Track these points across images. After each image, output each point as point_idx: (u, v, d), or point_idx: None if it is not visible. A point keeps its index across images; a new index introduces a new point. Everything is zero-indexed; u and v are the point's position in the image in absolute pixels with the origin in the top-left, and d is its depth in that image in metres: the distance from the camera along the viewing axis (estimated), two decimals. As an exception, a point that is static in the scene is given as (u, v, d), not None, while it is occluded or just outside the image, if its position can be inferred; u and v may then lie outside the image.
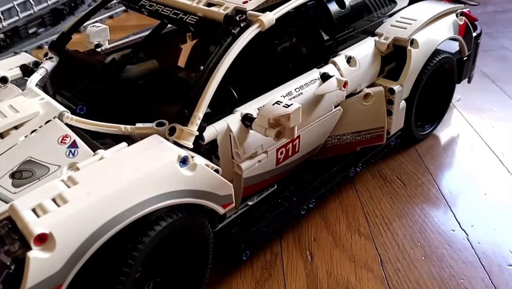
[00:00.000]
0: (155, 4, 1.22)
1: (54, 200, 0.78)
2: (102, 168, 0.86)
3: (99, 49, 1.42)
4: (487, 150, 1.60)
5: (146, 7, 1.23)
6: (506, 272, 1.15)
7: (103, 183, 0.82)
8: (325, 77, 1.18)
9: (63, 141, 0.97)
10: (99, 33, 1.45)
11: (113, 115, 1.07)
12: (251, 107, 1.06)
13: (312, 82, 1.18)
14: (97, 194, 0.79)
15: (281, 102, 0.97)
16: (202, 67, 1.02)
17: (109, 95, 1.12)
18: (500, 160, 1.54)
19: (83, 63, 1.24)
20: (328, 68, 1.22)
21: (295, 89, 1.15)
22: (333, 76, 1.17)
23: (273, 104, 0.97)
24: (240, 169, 1.06)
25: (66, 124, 1.02)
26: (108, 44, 1.46)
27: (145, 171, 0.85)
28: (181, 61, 1.60)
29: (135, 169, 0.85)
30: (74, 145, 0.96)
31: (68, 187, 0.81)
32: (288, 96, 1.12)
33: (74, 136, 0.98)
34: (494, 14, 2.80)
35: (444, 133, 1.70)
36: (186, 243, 1.01)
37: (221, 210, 1.01)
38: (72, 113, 1.05)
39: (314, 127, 1.22)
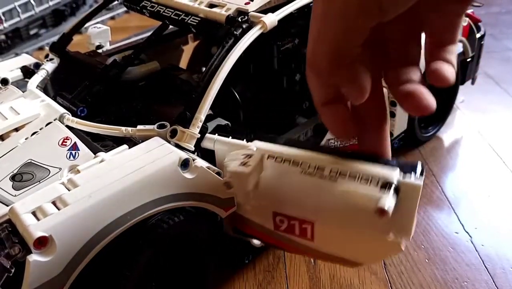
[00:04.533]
0: (156, 5, 1.22)
1: (54, 203, 0.78)
2: (103, 170, 0.85)
3: (100, 51, 1.42)
4: (491, 151, 1.59)
5: (148, 8, 1.23)
6: (510, 275, 1.15)
7: (104, 186, 0.81)
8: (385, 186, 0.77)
9: (64, 143, 0.97)
10: (100, 35, 1.44)
11: (114, 117, 1.07)
12: (271, 147, 0.85)
13: (362, 179, 0.78)
14: (97, 196, 0.79)
15: (250, 157, 0.82)
16: (204, 69, 1.02)
17: (110, 97, 1.12)
18: (504, 162, 1.53)
19: (84, 64, 1.24)
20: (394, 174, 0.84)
21: (330, 170, 0.78)
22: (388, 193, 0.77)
23: (243, 154, 0.84)
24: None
25: (67, 126, 1.02)
26: (109, 45, 1.46)
27: (146, 174, 0.84)
28: (183, 63, 1.59)
29: (136, 171, 0.84)
30: (74, 147, 0.95)
31: (69, 189, 0.80)
32: (317, 171, 0.80)
33: (74, 139, 0.97)
34: (498, 15, 2.79)
35: (447, 135, 1.69)
36: (188, 246, 1.00)
37: (223, 213, 1.00)
38: (73, 115, 1.05)
39: (342, 232, 0.87)
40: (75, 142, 0.97)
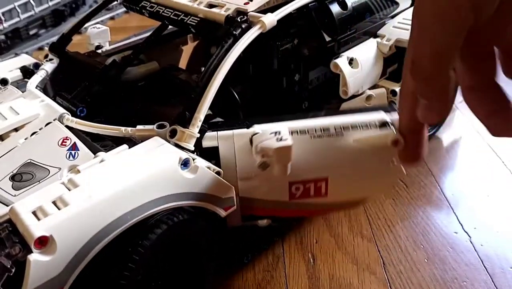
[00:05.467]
0: (156, 6, 1.22)
1: (54, 203, 0.78)
2: (102, 170, 0.85)
3: (99, 51, 1.42)
4: (490, 151, 1.59)
5: (147, 8, 1.23)
6: (509, 275, 1.15)
7: (104, 186, 0.81)
8: (383, 125, 0.96)
9: (63, 143, 0.97)
10: (99, 35, 1.45)
11: (114, 117, 1.07)
12: (274, 126, 0.96)
13: (363, 126, 0.96)
14: (97, 196, 0.79)
15: (280, 133, 0.90)
16: (203, 69, 1.02)
17: (109, 97, 1.12)
18: (503, 162, 1.53)
19: (83, 65, 1.24)
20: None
21: (335, 128, 0.97)
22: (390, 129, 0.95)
23: (271, 133, 0.91)
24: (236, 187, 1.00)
25: (67, 126, 1.02)
26: (109, 45, 1.46)
27: (146, 174, 0.85)
28: (182, 63, 1.59)
29: (136, 171, 0.85)
30: (74, 147, 0.95)
31: (69, 189, 0.80)
32: (324, 132, 0.96)
33: (74, 139, 0.98)
34: (496, 15, 2.79)
35: (446, 135, 1.69)
36: (188, 245, 1.00)
37: (222, 213, 1.00)
38: (72, 115, 1.05)
39: (354, 176, 1.02)
40: (74, 142, 0.97)
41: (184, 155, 0.89)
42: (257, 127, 0.97)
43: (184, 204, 0.90)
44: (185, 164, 0.89)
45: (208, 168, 0.93)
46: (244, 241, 1.14)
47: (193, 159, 0.91)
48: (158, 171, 0.86)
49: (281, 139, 0.89)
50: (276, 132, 0.91)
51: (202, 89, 0.98)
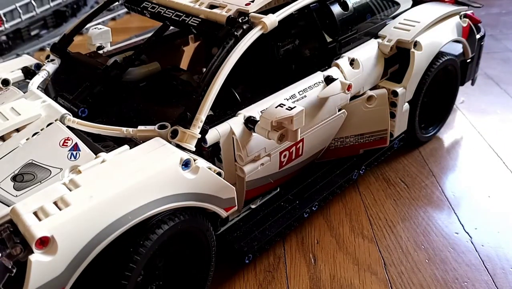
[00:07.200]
0: (157, 6, 1.22)
1: (55, 203, 0.78)
2: (104, 171, 0.85)
3: (101, 51, 1.42)
4: (491, 152, 1.59)
5: (148, 9, 1.23)
6: (510, 275, 1.15)
7: (105, 186, 0.81)
8: (329, 80, 1.17)
9: (65, 144, 0.97)
10: (101, 35, 1.45)
11: (115, 117, 1.07)
12: (254, 110, 1.06)
13: (316, 85, 1.18)
14: (99, 197, 0.79)
15: (284, 105, 0.97)
16: (204, 70, 1.02)
17: (111, 97, 1.12)
18: (503, 162, 1.54)
19: (85, 65, 1.24)
20: (331, 71, 1.21)
21: (298, 92, 1.14)
22: (337, 79, 1.17)
23: (276, 107, 0.97)
24: (243, 172, 1.06)
25: (68, 127, 1.02)
26: (110, 46, 1.46)
27: (147, 174, 0.85)
28: (184, 64, 1.59)
29: (137, 172, 0.85)
30: (75, 147, 0.95)
31: (70, 190, 0.81)
32: (292, 99, 1.12)
33: (75, 139, 0.98)
34: (498, 16, 2.79)
35: (447, 135, 1.69)
36: (189, 246, 1.01)
37: (223, 213, 1.00)
38: (74, 116, 1.05)
39: (318, 130, 1.22)
40: (76, 143, 0.97)
41: (185, 156, 0.89)
42: (243, 112, 1.05)
43: (185, 204, 0.90)
44: (186, 164, 0.89)
45: (209, 168, 0.93)
46: (245, 241, 1.14)
47: (194, 160, 0.91)
48: (159, 172, 0.86)
49: (291, 108, 0.95)
50: (280, 105, 0.97)
51: (203, 90, 0.98)
